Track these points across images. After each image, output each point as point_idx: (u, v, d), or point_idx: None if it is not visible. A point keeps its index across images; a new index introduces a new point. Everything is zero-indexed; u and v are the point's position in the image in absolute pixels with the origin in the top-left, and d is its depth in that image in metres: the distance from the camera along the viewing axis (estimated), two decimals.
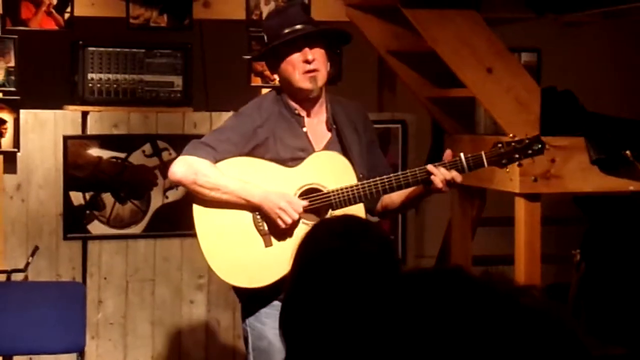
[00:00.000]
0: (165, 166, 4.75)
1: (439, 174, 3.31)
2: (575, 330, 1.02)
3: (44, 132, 4.60)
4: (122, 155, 4.71)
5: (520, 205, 3.96)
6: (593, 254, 1.70)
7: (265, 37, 3.55)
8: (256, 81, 4.83)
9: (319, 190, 3.44)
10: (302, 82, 3.42)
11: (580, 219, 5.46)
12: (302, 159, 3.48)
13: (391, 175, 3.40)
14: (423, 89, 4.72)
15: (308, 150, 3.49)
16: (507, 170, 3.43)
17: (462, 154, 3.38)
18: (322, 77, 3.45)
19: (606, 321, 1.51)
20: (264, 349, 3.41)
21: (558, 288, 5.22)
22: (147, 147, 4.74)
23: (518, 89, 3.96)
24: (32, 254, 4.54)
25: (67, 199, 4.62)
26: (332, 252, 1.87)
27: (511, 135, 3.43)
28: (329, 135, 3.53)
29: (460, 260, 4.69)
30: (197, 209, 3.48)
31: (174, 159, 4.71)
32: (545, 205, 4.03)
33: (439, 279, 1.06)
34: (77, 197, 4.64)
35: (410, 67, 4.71)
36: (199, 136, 4.81)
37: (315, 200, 3.42)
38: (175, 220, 4.78)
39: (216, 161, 3.43)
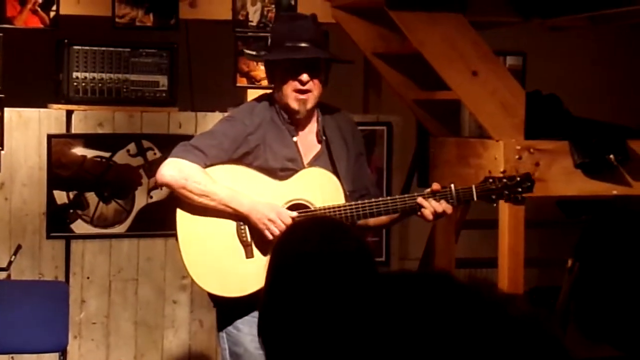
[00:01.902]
0: (150, 166, 4.74)
1: (429, 206, 3.33)
2: (560, 338, 1.02)
3: (28, 130, 4.59)
4: (107, 154, 4.69)
5: (504, 208, 3.97)
6: (588, 256, 1.70)
7: (269, 40, 3.52)
8: (242, 82, 4.82)
9: (306, 207, 3.42)
10: (291, 100, 3.42)
11: (563, 223, 5.48)
12: (290, 170, 3.46)
13: (380, 200, 3.40)
14: (408, 91, 4.73)
15: (297, 160, 3.48)
16: (495, 205, 3.44)
17: (452, 185, 3.38)
18: (313, 99, 3.44)
19: (600, 323, 1.52)
20: (240, 355, 3.40)
21: (540, 291, 5.24)
22: (132, 147, 4.73)
23: (503, 92, 3.97)
24: (15, 253, 4.52)
25: (50, 198, 4.60)
26: (308, 255, 1.84)
27: (502, 170, 3.44)
28: (318, 147, 3.52)
29: (444, 262, 4.70)
30: (180, 214, 3.46)
31: (159, 158, 4.74)
32: (529, 208, 4.04)
33: (426, 283, 1.06)
34: (60, 196, 4.62)
35: (395, 69, 4.71)
36: (184, 136, 4.81)
37: (303, 215, 3.39)
38: (159, 220, 4.77)
39: (206, 166, 3.41)
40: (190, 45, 5.25)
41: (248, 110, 3.52)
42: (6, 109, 4.51)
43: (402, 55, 4.63)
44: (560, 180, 3.99)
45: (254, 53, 3.51)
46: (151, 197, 4.77)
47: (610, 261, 1.74)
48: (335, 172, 3.46)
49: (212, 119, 4.87)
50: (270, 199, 3.40)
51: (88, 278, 4.70)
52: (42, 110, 4.63)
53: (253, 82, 4.81)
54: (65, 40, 4.63)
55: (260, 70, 4.79)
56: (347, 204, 3.40)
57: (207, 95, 5.17)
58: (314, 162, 3.51)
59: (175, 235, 3.51)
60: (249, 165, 3.46)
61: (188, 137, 4.85)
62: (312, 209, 3.40)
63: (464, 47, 3.98)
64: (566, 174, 3.99)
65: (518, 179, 3.39)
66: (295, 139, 3.47)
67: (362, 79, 5.38)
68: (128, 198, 4.74)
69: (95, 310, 4.72)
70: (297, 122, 3.49)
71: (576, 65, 6.40)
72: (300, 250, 1.86)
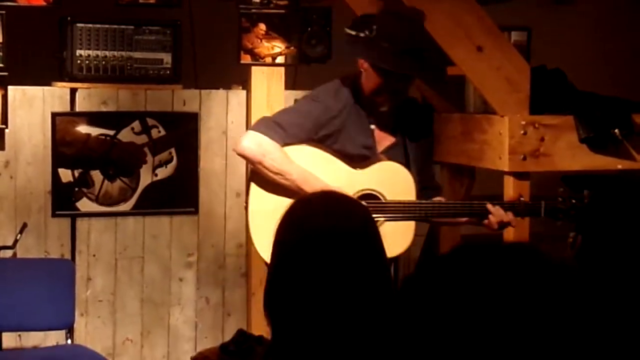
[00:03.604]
0: (154, 144, 4.74)
1: (497, 215, 3.38)
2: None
3: (32, 108, 4.58)
4: (111, 132, 4.69)
5: (509, 183, 3.96)
6: (590, 229, 1.70)
7: (378, 33, 3.47)
8: (246, 59, 4.81)
9: (377, 198, 3.50)
10: (382, 101, 3.51)
11: (569, 198, 5.47)
12: (365, 157, 3.54)
13: (450, 202, 3.55)
14: None
15: (372, 148, 3.56)
16: (558, 223, 3.46)
17: (522, 198, 3.48)
18: (399, 101, 3.55)
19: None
20: None
21: None
22: (136, 125, 4.73)
23: (508, 67, 3.95)
24: (21, 231, 4.53)
25: (55, 176, 4.61)
26: (311, 229, 1.83)
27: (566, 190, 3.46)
28: (392, 137, 3.63)
29: (449, 238, 4.69)
30: (254, 187, 3.55)
31: (163, 136, 4.74)
32: (534, 183, 4.03)
33: (513, 255, 1.05)
34: (65, 174, 4.63)
35: None
36: (189, 114, 4.82)
37: (372, 206, 3.42)
38: (164, 198, 4.78)
39: (285, 144, 3.48)
40: (194, 22, 5.24)
41: (333, 93, 3.58)
42: (10, 87, 4.51)
43: None
44: (566, 155, 3.98)
45: (385, 67, 3.50)
46: (156, 175, 4.77)
47: (612, 233, 1.74)
48: (407, 164, 3.54)
49: (216, 96, 4.86)
50: (343, 185, 3.42)
51: (94, 256, 4.71)
52: (46, 88, 4.62)
53: (257, 58, 4.79)
54: (69, 18, 4.62)
55: (264, 47, 4.78)
56: (418, 201, 3.50)
57: (211, 73, 5.16)
58: (387, 152, 3.60)
59: (245, 207, 3.58)
60: (328, 147, 3.52)
61: (192, 115, 4.89)
62: (383, 201, 3.45)
63: (468, 22, 3.96)
64: (571, 148, 3.98)
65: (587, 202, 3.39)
66: (372, 126, 3.55)
67: None
68: (133, 176, 4.74)
69: (101, 288, 4.74)
70: (377, 112, 3.58)
71: (581, 39, 6.37)
72: (303, 224, 1.85)
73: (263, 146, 3.45)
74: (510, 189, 3.95)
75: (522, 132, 3.91)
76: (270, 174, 3.47)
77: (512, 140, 3.87)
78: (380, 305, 1.80)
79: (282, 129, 3.48)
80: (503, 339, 0.97)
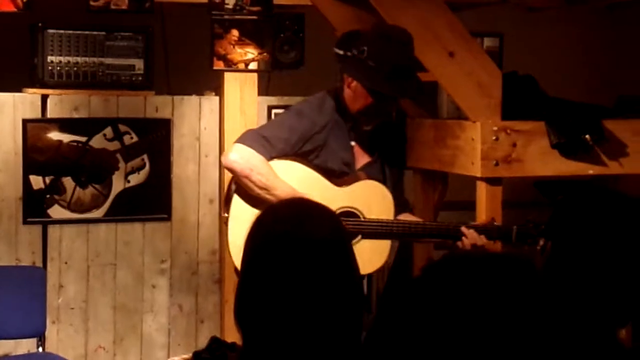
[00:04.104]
0: (127, 150, 4.72)
1: (470, 238, 3.43)
2: None
3: (3, 115, 4.55)
4: (83, 139, 4.67)
5: (481, 189, 3.97)
6: (560, 235, 1.71)
7: (369, 54, 3.49)
8: (219, 65, 4.80)
9: (357, 216, 3.54)
10: (365, 121, 3.57)
11: (541, 203, 5.50)
12: (344, 173, 3.58)
13: (426, 222, 3.62)
14: None
15: (351, 165, 3.61)
16: (526, 248, 3.50)
17: (495, 222, 3.53)
18: (382, 120, 3.60)
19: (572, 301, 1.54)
20: None
21: None
22: (108, 131, 4.71)
23: (480, 73, 3.97)
24: None
25: (26, 183, 4.58)
26: (277, 236, 1.82)
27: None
28: (370, 157, 3.70)
29: (422, 248, 4.70)
30: (236, 199, 3.56)
31: (136, 142, 4.72)
32: (506, 189, 4.05)
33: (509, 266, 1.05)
34: (37, 181, 4.60)
35: None
36: (161, 120, 4.80)
37: (350, 224, 3.50)
38: (136, 205, 4.76)
39: (271, 158, 3.52)
40: (166, 28, 5.22)
41: (317, 107, 3.61)
42: None
43: None
44: (537, 161, 4.00)
45: (379, 90, 3.52)
46: (128, 182, 4.75)
47: (582, 239, 1.75)
48: (384, 182, 3.57)
49: (189, 103, 4.85)
50: (324, 202, 3.45)
51: (66, 263, 4.68)
52: (16, 94, 4.59)
53: (230, 65, 4.78)
54: (40, 24, 4.59)
55: (236, 54, 4.77)
56: (396, 220, 3.55)
57: (184, 79, 5.15)
58: (365, 169, 3.65)
59: (226, 218, 3.61)
60: (309, 162, 3.56)
61: (165, 121, 4.88)
62: (361, 219, 3.49)
63: (440, 28, 3.97)
64: (543, 154, 3.99)
65: None
66: (353, 143, 3.58)
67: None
68: (105, 182, 4.71)
69: (73, 295, 4.71)
70: (360, 129, 3.62)
71: (553, 46, 6.41)
72: (270, 231, 1.84)
73: (251, 161, 3.48)
74: (483, 194, 3.96)
75: (494, 137, 3.92)
76: (256, 189, 3.50)
77: (485, 145, 3.88)
78: (350, 311, 1.79)
79: (268, 142, 3.51)
80: (487, 344, 0.98)
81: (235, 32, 4.77)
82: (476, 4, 4.88)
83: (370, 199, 3.58)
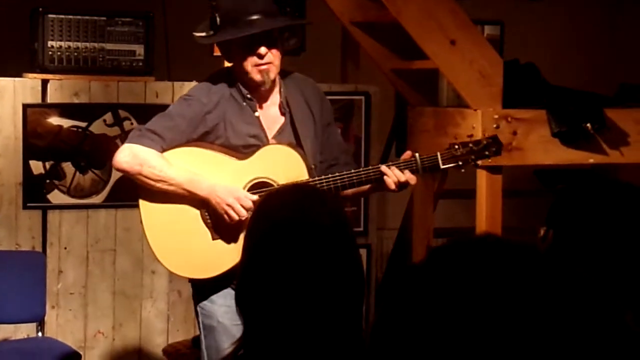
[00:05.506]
0: (127, 136, 4.71)
1: (392, 176, 3.27)
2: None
3: (3, 100, 4.55)
4: (83, 124, 4.66)
5: (481, 177, 3.98)
6: (561, 223, 1.71)
7: (218, 18, 3.36)
8: (219, 51, 4.78)
9: (270, 185, 3.36)
10: (254, 74, 3.32)
11: (541, 192, 5.51)
12: (254, 146, 3.39)
13: (343, 173, 3.34)
14: (386, 60, 4.71)
15: (260, 136, 3.40)
16: (463, 170, 3.41)
17: (417, 154, 3.33)
18: (274, 69, 3.35)
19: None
20: (213, 327, 3.39)
21: None
22: (108, 117, 4.70)
23: (481, 61, 3.97)
24: None
25: (26, 168, 4.57)
26: (279, 223, 1.82)
27: (468, 135, 3.41)
28: (282, 119, 3.45)
29: (422, 232, 4.71)
30: (143, 203, 3.43)
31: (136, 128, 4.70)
32: (507, 177, 4.05)
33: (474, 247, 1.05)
34: (37, 166, 4.59)
35: (373, 39, 4.69)
36: (161, 106, 4.79)
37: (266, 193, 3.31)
38: (136, 191, 4.75)
39: (163, 150, 3.35)
40: (167, 13, 5.21)
41: (205, 88, 3.43)
42: None
43: (380, 24, 4.61)
44: (538, 149, 4.00)
45: (203, 34, 3.36)
46: None
47: (584, 228, 1.75)
48: (300, 145, 3.41)
49: (189, 88, 4.83)
50: (231, 180, 3.35)
51: (65, 248, 4.68)
52: (17, 79, 4.59)
53: None
54: (40, 9, 4.58)
55: None
56: (311, 180, 3.33)
57: (184, 65, 5.14)
58: (278, 136, 3.43)
59: (140, 226, 3.49)
60: (212, 144, 3.39)
61: (165, 107, 4.84)
62: (275, 187, 3.34)
63: (442, 16, 3.96)
64: (543, 142, 4.00)
65: (484, 142, 3.37)
66: (257, 113, 3.39)
67: (340, 49, 5.37)
68: (105, 168, 4.71)
69: (72, 280, 4.71)
70: (258, 96, 3.40)
71: (554, 34, 6.40)
72: (272, 218, 1.84)
73: (139, 156, 3.33)
74: (483, 183, 3.97)
75: (494, 125, 3.92)
76: (153, 183, 3.34)
77: (485, 133, 3.88)
78: (352, 297, 1.80)
79: (156, 134, 3.34)
80: (492, 336, 0.97)
81: None
82: None
83: (278, 163, 3.38)
